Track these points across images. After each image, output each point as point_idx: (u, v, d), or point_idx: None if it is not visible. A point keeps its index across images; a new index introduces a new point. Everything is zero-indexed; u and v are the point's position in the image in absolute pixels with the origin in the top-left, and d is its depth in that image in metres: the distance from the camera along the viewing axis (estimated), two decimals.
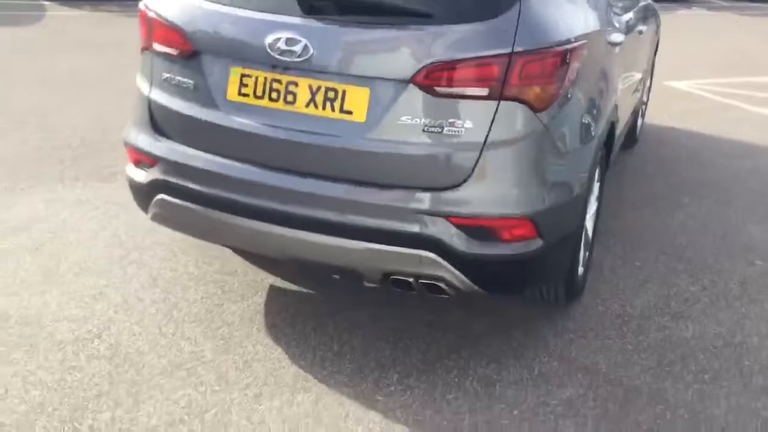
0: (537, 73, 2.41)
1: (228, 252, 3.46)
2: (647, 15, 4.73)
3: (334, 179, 2.50)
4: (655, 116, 6.40)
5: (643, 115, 5.91)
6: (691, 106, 7.27)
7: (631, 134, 5.35)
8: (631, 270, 3.65)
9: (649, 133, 6.09)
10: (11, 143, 4.84)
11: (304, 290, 3.25)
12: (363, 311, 3.09)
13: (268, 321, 2.99)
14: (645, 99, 5.85)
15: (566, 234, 2.73)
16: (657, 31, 5.52)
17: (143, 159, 2.81)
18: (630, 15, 3.91)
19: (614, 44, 3.26)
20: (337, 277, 2.92)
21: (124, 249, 3.51)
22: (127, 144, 2.89)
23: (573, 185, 2.68)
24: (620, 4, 3.72)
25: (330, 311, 3.08)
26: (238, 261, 3.41)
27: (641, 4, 4.52)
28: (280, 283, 3.27)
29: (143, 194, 2.85)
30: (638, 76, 4.50)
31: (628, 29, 3.74)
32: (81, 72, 6.78)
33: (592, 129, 2.83)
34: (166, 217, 2.83)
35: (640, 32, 4.28)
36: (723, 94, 7.78)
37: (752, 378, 2.84)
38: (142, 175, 2.83)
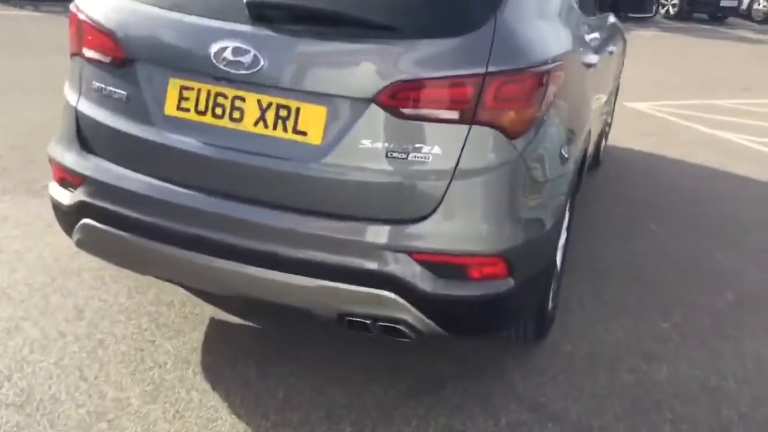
0: (513, 96, 2.17)
1: None
2: (615, 34, 4.58)
3: (285, 208, 2.22)
4: (617, 138, 6.28)
5: (606, 137, 5.77)
6: (652, 128, 7.20)
7: (596, 157, 5.20)
8: (599, 303, 3.45)
9: (612, 154, 5.96)
10: None
11: (250, 324, 2.94)
12: (314, 351, 2.80)
13: (206, 361, 2.68)
14: (609, 121, 5.71)
15: (538, 271, 2.49)
16: (624, 52, 5.39)
17: (68, 177, 2.48)
18: (600, 34, 3.73)
19: (589, 66, 3.06)
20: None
21: (49, 275, 3.15)
22: (51, 159, 2.56)
23: (547, 219, 2.44)
24: (592, 23, 3.53)
25: (277, 350, 2.78)
26: (175, 290, 3.09)
27: (609, 22, 4.36)
28: (222, 315, 2.96)
29: (67, 217, 2.52)
30: (606, 98, 4.33)
31: (600, 50, 3.55)
32: (21, 76, 6.33)
33: (567, 158, 2.60)
34: (92, 245, 2.51)
35: (611, 53, 4.11)
36: (683, 117, 7.74)
37: (731, 429, 2.64)
38: (66, 196, 2.49)
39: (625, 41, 5.27)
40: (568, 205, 2.92)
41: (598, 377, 2.85)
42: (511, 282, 2.29)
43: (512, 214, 2.24)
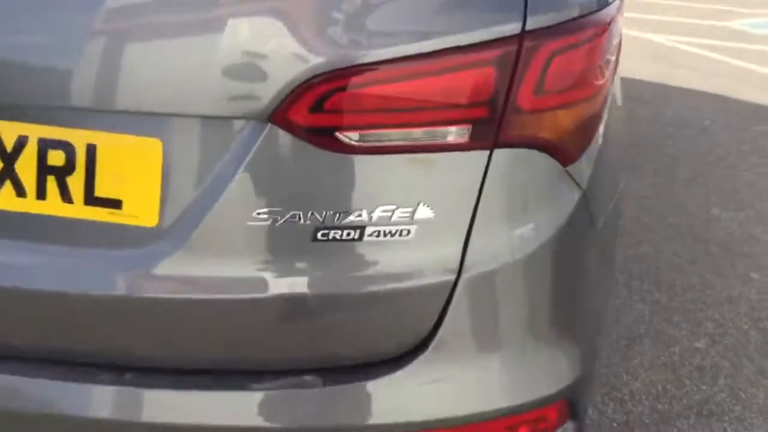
0: (571, 78, 1.01)
1: None
2: None
3: (103, 373, 1.01)
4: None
5: None
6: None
7: None
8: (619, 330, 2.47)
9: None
10: None
11: None
12: None
13: None
14: None
15: (598, 366, 1.42)
16: None
17: None
18: None
19: None
20: None
21: None
22: None
23: (606, 286, 1.34)
24: None
25: None
26: None
27: None
28: None
29: None
30: None
31: None
32: None
33: (621, 162, 1.48)
34: None
35: None
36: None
37: None
38: None
39: None
40: None
41: None
42: (572, 426, 1.20)
43: (575, 316, 1.12)
